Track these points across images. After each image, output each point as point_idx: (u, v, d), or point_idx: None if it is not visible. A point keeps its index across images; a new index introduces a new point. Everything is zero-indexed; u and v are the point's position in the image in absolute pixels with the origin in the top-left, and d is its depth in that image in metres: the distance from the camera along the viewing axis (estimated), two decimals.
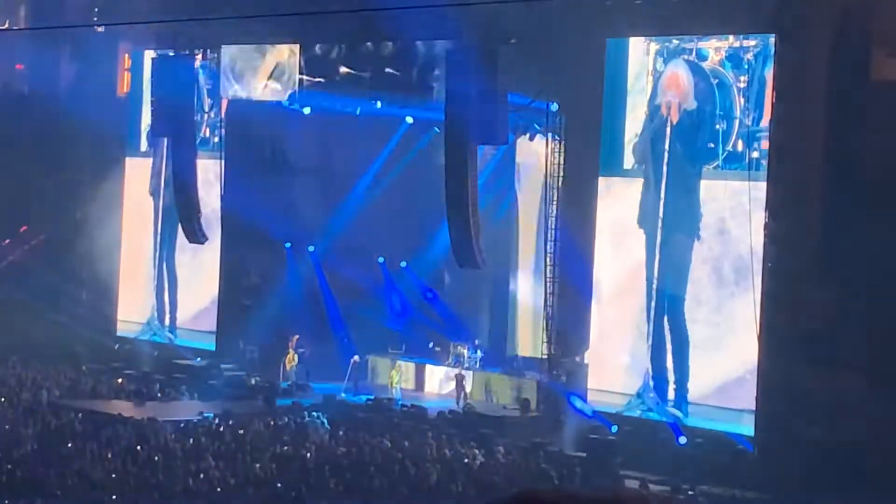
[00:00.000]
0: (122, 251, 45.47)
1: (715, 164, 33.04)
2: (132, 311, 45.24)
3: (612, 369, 34.66)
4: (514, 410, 36.91)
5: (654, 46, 34.20)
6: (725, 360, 32.55)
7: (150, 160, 44.81)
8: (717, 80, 32.94)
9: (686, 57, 33.62)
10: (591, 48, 34.38)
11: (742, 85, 32.60)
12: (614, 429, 33.37)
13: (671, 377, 33.57)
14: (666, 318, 33.71)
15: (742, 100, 32.57)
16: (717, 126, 32.90)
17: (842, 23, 31.47)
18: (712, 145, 32.97)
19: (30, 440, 31.03)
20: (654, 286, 33.89)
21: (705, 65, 33.21)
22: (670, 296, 33.67)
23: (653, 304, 33.89)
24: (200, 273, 43.58)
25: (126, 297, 45.47)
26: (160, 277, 44.64)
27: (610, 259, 35.01)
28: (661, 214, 33.89)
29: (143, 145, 45.03)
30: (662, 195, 33.84)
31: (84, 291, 45.92)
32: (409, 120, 41.44)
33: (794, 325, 31.51)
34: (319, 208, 43.21)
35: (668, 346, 33.66)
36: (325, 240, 43.07)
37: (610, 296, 35.03)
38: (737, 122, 32.64)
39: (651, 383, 33.76)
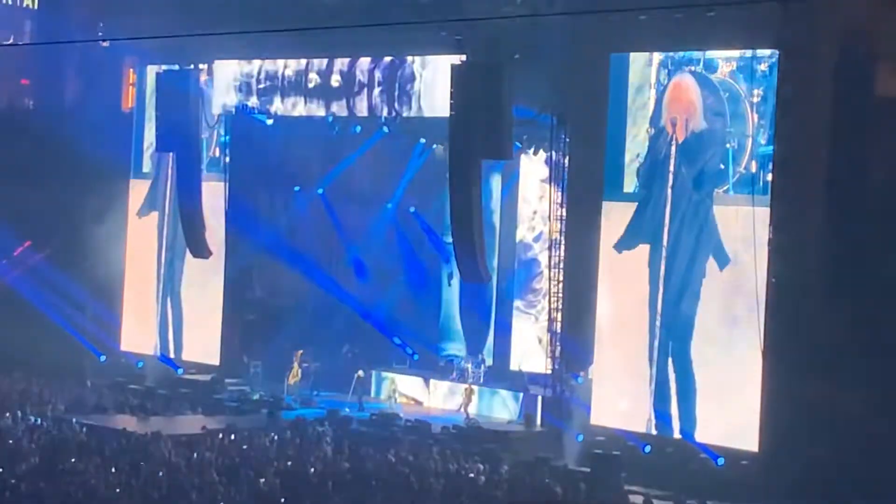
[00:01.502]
0: (126, 281, 44.54)
1: (725, 188, 31.23)
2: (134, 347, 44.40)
3: (612, 411, 33.25)
4: (519, 425, 36.88)
5: (657, 57, 32.55)
6: (733, 404, 30.82)
7: (152, 181, 43.97)
8: (727, 94, 31.24)
9: (693, 68, 31.89)
10: (594, 63, 33.61)
11: (756, 99, 30.78)
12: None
13: (676, 423, 32.02)
14: (671, 359, 32.05)
15: (755, 116, 30.71)
16: (728, 145, 31.07)
17: (847, 39, 30.78)
18: (722, 167, 31.14)
19: (34, 454, 30.99)
20: (658, 324, 32.11)
21: (714, 77, 31.46)
22: (675, 335, 31.88)
23: (656, 343, 32.16)
24: (205, 307, 42.40)
25: (129, 331, 44.56)
26: (164, 312, 43.57)
27: (609, 292, 33.28)
28: (665, 243, 32.09)
29: (147, 166, 44.50)
30: (667, 222, 32.02)
31: (86, 322, 45.40)
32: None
33: (801, 355, 30.16)
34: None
35: (673, 389, 31.96)
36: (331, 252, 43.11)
37: (610, 334, 33.29)
38: (749, 141, 30.76)
39: (654, 430, 32.49)
